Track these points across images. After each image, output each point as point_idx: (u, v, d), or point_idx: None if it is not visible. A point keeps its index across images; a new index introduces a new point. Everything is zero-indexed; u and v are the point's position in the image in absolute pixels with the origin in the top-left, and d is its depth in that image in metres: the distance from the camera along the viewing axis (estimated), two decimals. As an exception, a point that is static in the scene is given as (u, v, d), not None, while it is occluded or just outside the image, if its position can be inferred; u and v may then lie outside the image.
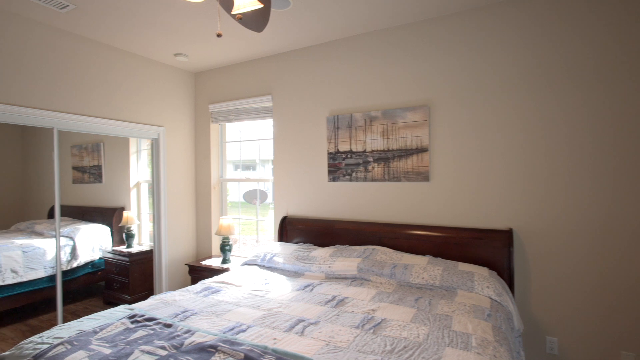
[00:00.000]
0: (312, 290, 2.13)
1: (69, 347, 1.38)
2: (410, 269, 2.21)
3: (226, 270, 3.16)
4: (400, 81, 2.78)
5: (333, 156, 3.05)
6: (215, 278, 2.40)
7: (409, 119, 2.72)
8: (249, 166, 4.01)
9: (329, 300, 1.92)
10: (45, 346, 1.42)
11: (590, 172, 2.17)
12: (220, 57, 3.44)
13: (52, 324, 3.26)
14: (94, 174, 3.71)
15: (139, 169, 3.82)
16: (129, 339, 1.43)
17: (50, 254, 3.31)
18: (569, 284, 2.23)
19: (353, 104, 2.98)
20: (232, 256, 3.62)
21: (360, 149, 2.93)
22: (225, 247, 3.34)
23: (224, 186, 3.93)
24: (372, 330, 1.54)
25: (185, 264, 3.50)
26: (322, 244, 2.99)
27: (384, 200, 2.85)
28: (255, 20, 1.83)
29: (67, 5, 2.40)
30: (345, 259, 2.44)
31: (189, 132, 3.89)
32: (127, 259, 3.57)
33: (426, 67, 2.67)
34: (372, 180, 2.88)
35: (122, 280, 3.62)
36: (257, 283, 2.30)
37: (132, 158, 3.78)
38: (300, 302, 1.91)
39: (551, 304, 2.28)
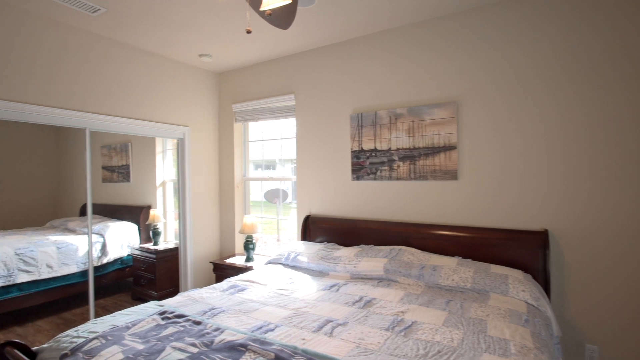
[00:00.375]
0: (338, 290, 2.10)
1: (104, 341, 1.41)
2: (440, 270, 2.14)
3: (250, 268, 3.18)
4: (426, 77, 2.70)
5: (357, 155, 3.01)
6: (241, 276, 2.41)
7: (436, 116, 2.64)
8: (269, 166, 4.02)
9: (356, 301, 1.88)
10: (81, 340, 1.45)
11: (634, 168, 2.03)
12: (243, 57, 3.47)
13: (84, 317, 3.38)
14: (122, 173, 3.82)
15: (164, 168, 3.91)
16: (160, 335, 1.45)
17: (82, 250, 3.43)
18: (611, 288, 2.10)
19: (377, 102, 2.93)
20: (255, 254, 3.63)
21: (385, 147, 2.87)
22: (248, 246, 3.36)
23: (246, 185, 3.96)
24: (402, 333, 1.49)
25: (210, 262, 3.55)
26: (346, 243, 2.95)
27: (410, 200, 2.78)
28: (282, 17, 1.81)
29: (99, 9, 2.47)
30: (370, 259, 2.39)
31: (212, 131, 3.94)
32: (154, 256, 3.66)
33: (454, 62, 2.59)
34: (398, 179, 2.81)
35: (149, 276, 3.71)
36: (282, 282, 2.29)
37: (158, 157, 3.87)
38: (326, 302, 1.89)
39: (591, 309, 2.15)
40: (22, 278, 3.12)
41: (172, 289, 3.75)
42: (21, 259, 3.13)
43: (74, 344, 1.42)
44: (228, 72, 3.90)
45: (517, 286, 1.92)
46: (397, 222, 2.79)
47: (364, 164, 2.97)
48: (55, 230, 3.59)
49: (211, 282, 3.86)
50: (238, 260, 3.46)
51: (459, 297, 1.90)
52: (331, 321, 1.62)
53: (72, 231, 3.59)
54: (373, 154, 2.93)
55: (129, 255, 3.81)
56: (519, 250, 2.28)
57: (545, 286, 2.16)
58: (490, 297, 1.88)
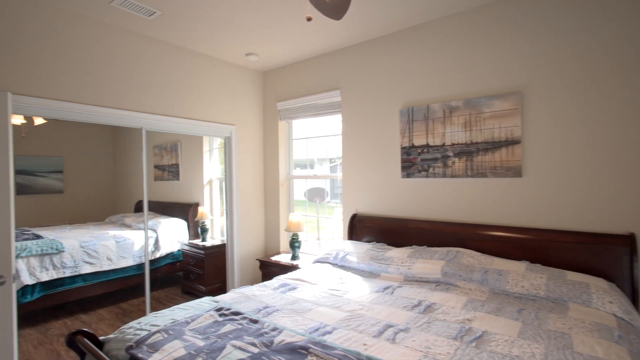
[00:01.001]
0: (392, 293, 1.99)
1: (165, 335, 1.43)
2: (506, 275, 1.96)
3: (296, 266, 3.15)
4: (485, 66, 2.50)
5: (407, 151, 2.87)
6: (290, 275, 2.38)
7: (496, 108, 2.43)
8: (306, 165, 3.99)
9: (415, 305, 1.77)
10: (144, 333, 1.48)
11: None
12: (288, 55, 3.45)
13: (140, 308, 3.55)
14: (172, 171, 3.98)
15: (211, 167, 4.01)
16: (220, 332, 1.44)
17: (138, 245, 3.61)
18: None
19: (430, 95, 2.77)
20: (299, 253, 3.60)
21: (438, 142, 2.70)
22: (294, 244, 3.34)
23: (291, 183, 3.95)
24: (474, 344, 1.36)
25: (257, 259, 3.58)
26: (395, 243, 2.82)
27: (466, 199, 2.59)
28: (337, 7, 1.74)
29: (155, 12, 2.55)
30: (426, 261, 2.25)
31: (258, 130, 3.98)
32: (202, 252, 3.76)
33: (517, 49, 2.36)
34: (452, 176, 2.64)
35: (198, 271, 3.83)
36: (333, 282, 2.23)
37: (205, 156, 3.98)
38: (382, 305, 1.79)
39: (691, 327, 1.86)
40: (86, 269, 3.34)
41: (219, 284, 3.84)
42: (85, 252, 3.35)
43: (138, 337, 1.45)
44: (273, 71, 3.91)
45: (602, 296, 1.69)
46: (451, 222, 2.62)
47: (415, 161, 2.82)
48: (113, 225, 3.82)
49: (256, 278, 3.90)
50: (283, 258, 3.45)
51: (531, 306, 1.72)
52: (391, 326, 1.52)
53: (128, 226, 3.80)
54: (425, 150, 2.77)
55: (179, 250, 3.96)
56: (598, 256, 2.03)
57: (633, 298, 1.90)
58: (569, 308, 1.68)
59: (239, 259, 3.76)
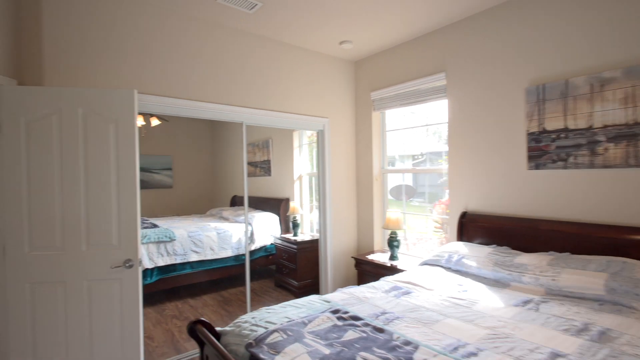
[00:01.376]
0: (537, 309, 1.61)
1: (285, 336, 1.32)
2: None
3: (395, 267, 2.89)
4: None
5: (536, 137, 2.38)
6: (399, 277, 2.14)
7: (677, 75, 1.83)
8: (391, 162, 3.68)
9: (581, 330, 1.37)
10: (261, 330, 1.40)
11: None
12: (384, 39, 3.19)
13: (239, 298, 3.68)
14: (264, 168, 4.06)
15: (301, 162, 3.98)
16: (343, 339, 1.28)
17: (235, 237, 3.76)
18: None
19: (568, 67, 2.24)
20: (399, 253, 3.33)
21: (581, 125, 2.17)
22: (393, 243, 3.09)
23: (385, 178, 3.70)
24: None
25: (352, 257, 3.42)
26: (520, 247, 2.37)
27: (627, 195, 2.02)
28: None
29: (256, 5, 2.54)
30: (577, 272, 1.79)
31: (350, 122, 3.81)
32: (294, 246, 3.75)
33: None
34: (604, 166, 2.09)
35: (291, 266, 3.83)
36: (451, 289, 1.92)
37: (295, 152, 3.96)
38: (531, 325, 1.43)
39: None
40: (193, 257, 3.58)
41: (310, 279, 3.79)
42: (192, 241, 3.60)
43: (255, 334, 1.38)
44: (365, 59, 3.70)
45: None
46: (603, 224, 2.07)
47: (547, 149, 2.33)
48: (213, 218, 4.05)
49: (349, 277, 3.75)
50: (379, 257, 3.23)
51: None
52: (560, 356, 1.17)
53: (226, 219, 3.98)
54: (562, 135, 2.26)
55: (271, 244, 4.02)
56: None
57: None
58: None
59: (332, 255, 3.65)
